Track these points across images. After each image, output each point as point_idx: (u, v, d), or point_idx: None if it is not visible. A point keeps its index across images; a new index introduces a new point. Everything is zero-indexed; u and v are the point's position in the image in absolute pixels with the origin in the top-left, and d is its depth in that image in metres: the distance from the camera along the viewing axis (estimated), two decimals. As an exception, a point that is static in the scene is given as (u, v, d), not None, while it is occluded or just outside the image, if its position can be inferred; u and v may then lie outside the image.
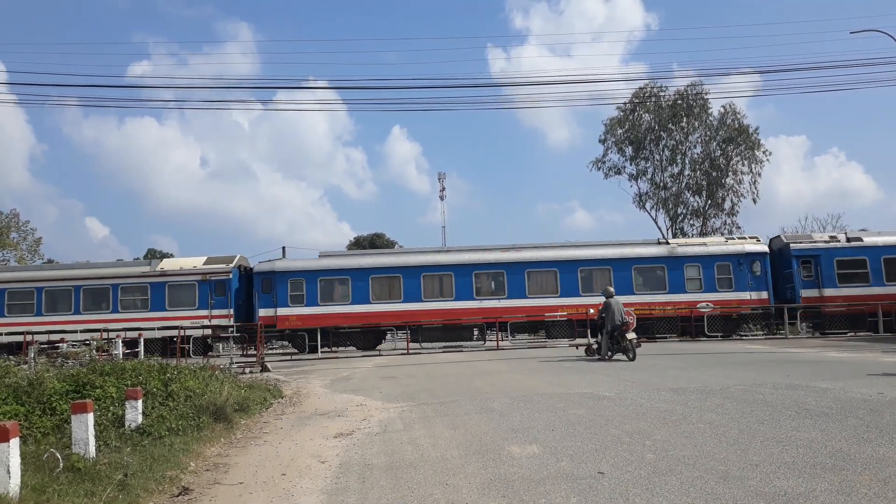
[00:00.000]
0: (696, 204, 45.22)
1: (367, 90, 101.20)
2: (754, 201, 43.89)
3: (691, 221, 45.18)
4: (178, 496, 5.36)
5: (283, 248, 40.21)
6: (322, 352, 23.49)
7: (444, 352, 22.27)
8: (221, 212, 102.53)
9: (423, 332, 24.12)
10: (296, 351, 24.60)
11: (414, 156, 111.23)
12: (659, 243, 25.65)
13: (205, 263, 25.34)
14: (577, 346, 19.22)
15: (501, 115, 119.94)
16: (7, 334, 23.95)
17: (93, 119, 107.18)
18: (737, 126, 43.40)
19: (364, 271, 24.58)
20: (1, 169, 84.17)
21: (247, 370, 16.83)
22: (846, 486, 4.52)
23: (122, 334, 20.84)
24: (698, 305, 23.80)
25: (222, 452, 7.06)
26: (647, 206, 46.57)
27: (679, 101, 44.28)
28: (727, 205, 44.31)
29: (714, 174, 44.16)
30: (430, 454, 6.23)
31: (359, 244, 62.20)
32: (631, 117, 45.53)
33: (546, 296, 24.27)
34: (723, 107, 43.80)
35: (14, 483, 4.64)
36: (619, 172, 46.79)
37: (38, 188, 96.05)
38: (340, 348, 24.40)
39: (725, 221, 44.21)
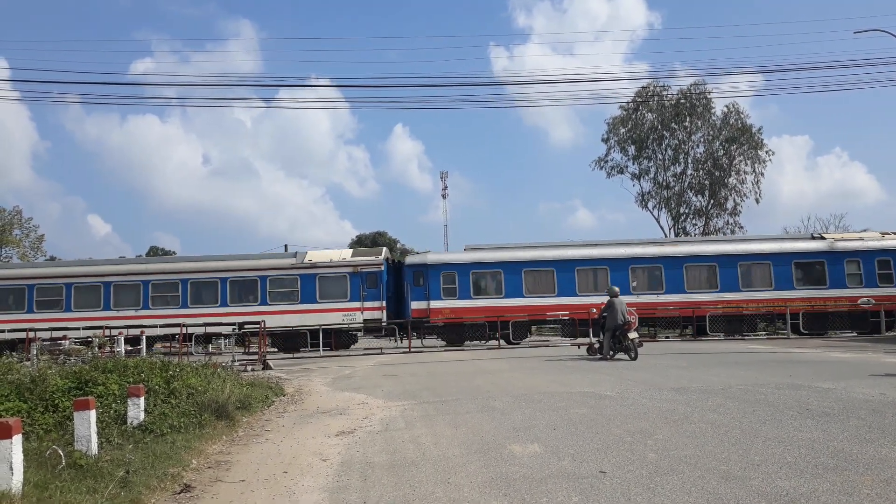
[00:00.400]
0: (698, 203, 45.21)
1: (370, 88, 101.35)
2: (757, 201, 43.90)
3: (693, 221, 45.18)
4: (179, 493, 5.36)
5: (286, 245, 40.26)
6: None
7: (445, 350, 22.28)
8: (223, 209, 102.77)
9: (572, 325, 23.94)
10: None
11: (416, 154, 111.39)
12: (813, 237, 25.40)
13: (353, 255, 25.31)
14: (578, 345, 19.21)
15: (504, 114, 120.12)
16: (159, 327, 23.67)
17: (95, 116, 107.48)
18: (740, 126, 43.36)
19: (517, 265, 24.37)
20: (4, 166, 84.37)
21: (248, 368, 16.85)
22: (848, 486, 4.51)
23: (125, 331, 20.84)
24: (859, 301, 23.54)
25: (224, 450, 7.07)
26: (650, 205, 46.58)
27: (682, 101, 44.23)
28: (730, 204, 44.33)
29: (717, 174, 44.12)
30: (432, 453, 6.23)
31: (360, 243, 62.24)
32: (634, 116, 45.50)
33: (703, 291, 24.03)
34: (726, 106, 43.78)
35: (17, 479, 4.65)
36: (621, 171, 46.83)
37: (41, 185, 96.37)
38: (490, 342, 24.02)
39: (728, 221, 44.24)
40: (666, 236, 43.19)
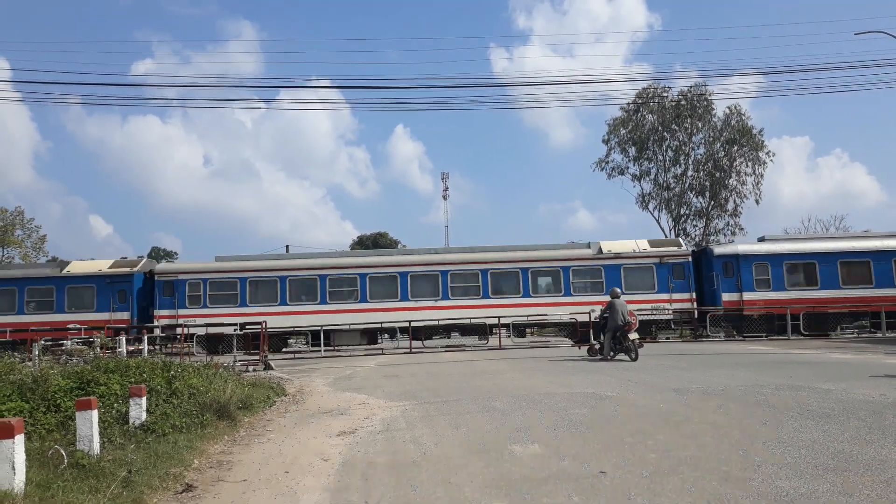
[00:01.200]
0: (699, 205, 45.15)
1: (371, 89, 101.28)
2: (757, 202, 43.82)
3: (694, 222, 45.14)
4: (181, 493, 5.38)
5: (287, 246, 40.27)
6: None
7: (446, 351, 22.27)
8: (224, 210, 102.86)
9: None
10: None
11: (417, 155, 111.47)
12: None
13: (652, 245, 25.00)
14: (579, 345, 19.21)
15: (504, 115, 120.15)
16: (448, 320, 23.55)
17: (97, 117, 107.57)
18: (740, 127, 43.32)
19: (832, 255, 23.80)
20: (5, 166, 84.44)
21: (250, 368, 16.86)
22: (848, 487, 4.52)
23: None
24: None
25: (226, 450, 7.08)
26: (650, 206, 46.52)
27: (682, 102, 44.21)
28: (730, 206, 44.27)
29: (717, 175, 44.07)
30: (433, 453, 6.24)
31: (361, 243, 62.26)
32: (634, 118, 45.46)
33: None
34: (728, 108, 43.75)
35: (19, 479, 4.67)
36: (622, 173, 46.75)
37: (42, 185, 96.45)
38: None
39: (728, 222, 44.17)
40: (666, 237, 43.16)
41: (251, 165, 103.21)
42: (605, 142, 46.90)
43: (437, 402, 9.66)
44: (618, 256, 24.43)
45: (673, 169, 45.70)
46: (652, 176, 46.06)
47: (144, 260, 26.58)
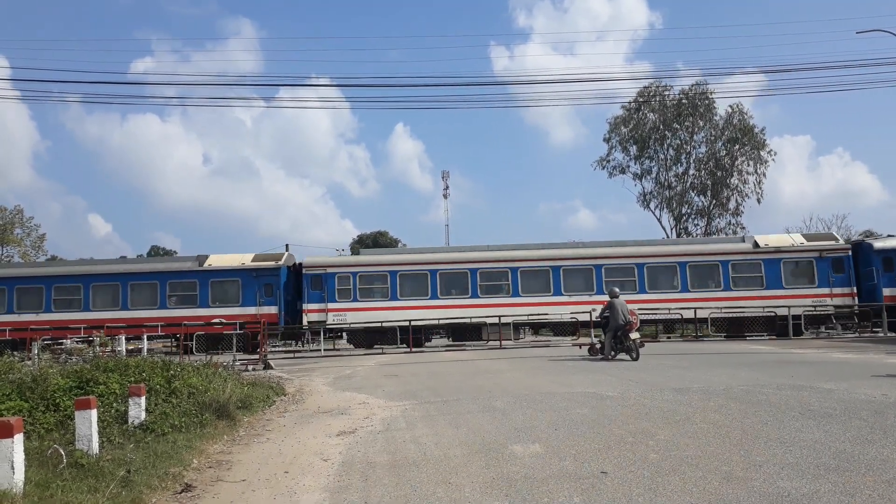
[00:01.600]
0: (700, 203, 45.17)
1: (371, 88, 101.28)
2: (759, 201, 43.83)
3: (696, 221, 45.16)
4: (180, 493, 5.36)
5: (287, 245, 40.24)
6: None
7: (447, 350, 22.26)
8: (224, 209, 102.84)
9: None
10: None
11: (417, 154, 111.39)
12: None
13: (809, 240, 25.03)
14: (580, 345, 19.18)
15: (504, 114, 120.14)
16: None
17: (96, 116, 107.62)
18: (742, 126, 43.29)
19: None
20: (5, 165, 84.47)
21: (249, 367, 16.85)
22: (850, 487, 4.50)
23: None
24: None
25: (225, 450, 7.06)
26: (652, 205, 46.54)
27: (684, 101, 44.18)
28: (731, 204, 44.29)
29: (719, 174, 44.07)
30: (433, 453, 6.22)
31: (361, 242, 62.27)
32: (635, 116, 45.46)
33: None
34: (730, 106, 43.73)
35: (18, 478, 4.66)
36: (623, 171, 46.79)
37: (42, 185, 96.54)
38: None
39: (730, 221, 44.19)
40: (668, 237, 43.15)
41: (251, 164, 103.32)
42: (607, 140, 46.96)
43: (437, 401, 9.64)
44: (777, 250, 24.31)
45: (674, 168, 45.77)
46: (653, 175, 46.13)
47: (286, 253, 26.40)
